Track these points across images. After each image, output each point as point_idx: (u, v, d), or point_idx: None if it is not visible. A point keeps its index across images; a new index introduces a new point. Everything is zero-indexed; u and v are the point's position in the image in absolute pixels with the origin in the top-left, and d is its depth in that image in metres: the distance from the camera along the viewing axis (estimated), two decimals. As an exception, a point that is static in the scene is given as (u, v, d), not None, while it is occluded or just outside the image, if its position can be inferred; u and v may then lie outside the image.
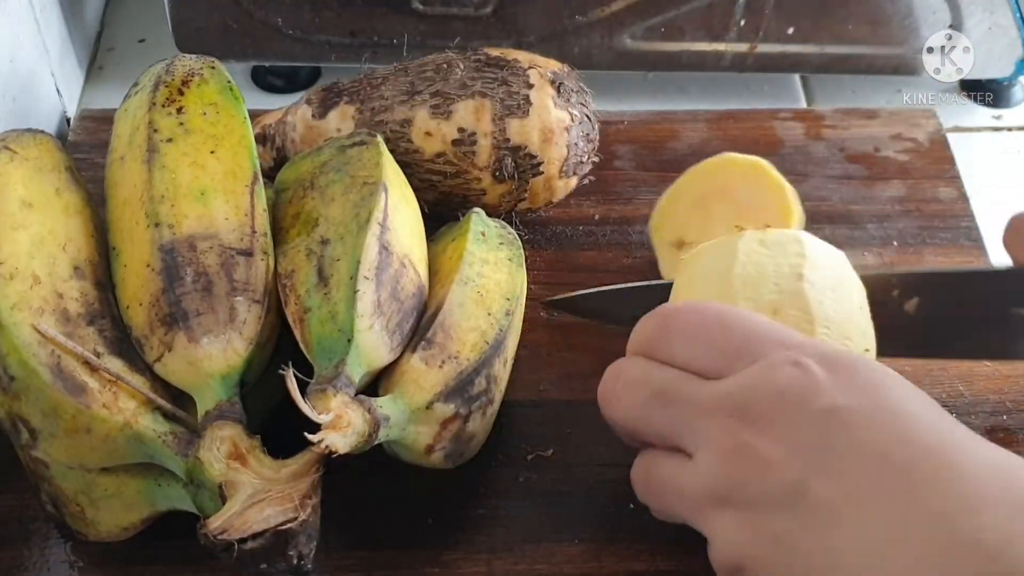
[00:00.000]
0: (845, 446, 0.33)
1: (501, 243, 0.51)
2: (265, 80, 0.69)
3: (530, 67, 0.53)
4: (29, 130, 0.48)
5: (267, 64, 0.68)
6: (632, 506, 0.47)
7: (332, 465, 0.42)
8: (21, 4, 0.58)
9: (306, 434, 0.38)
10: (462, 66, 0.53)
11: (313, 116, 0.54)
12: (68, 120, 0.65)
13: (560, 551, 0.46)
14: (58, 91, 0.64)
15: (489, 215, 0.53)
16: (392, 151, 0.51)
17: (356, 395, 0.41)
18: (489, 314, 0.46)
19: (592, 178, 0.57)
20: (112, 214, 0.46)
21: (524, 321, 0.52)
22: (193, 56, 0.51)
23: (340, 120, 0.54)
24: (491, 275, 0.48)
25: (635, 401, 0.39)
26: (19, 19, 0.58)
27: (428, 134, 0.52)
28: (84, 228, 0.45)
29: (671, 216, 0.54)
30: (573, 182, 0.55)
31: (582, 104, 0.54)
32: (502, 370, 0.47)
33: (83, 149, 0.60)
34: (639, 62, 0.66)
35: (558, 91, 0.53)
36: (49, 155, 0.47)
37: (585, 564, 0.46)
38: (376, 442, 0.41)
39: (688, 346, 0.39)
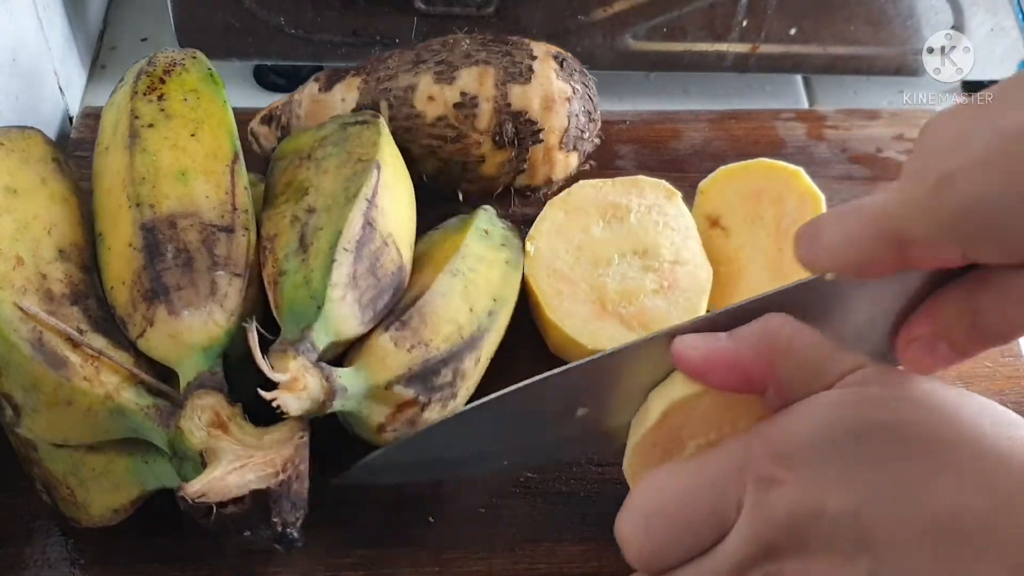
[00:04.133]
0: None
1: (503, 244, 0.51)
2: (268, 79, 0.69)
3: (534, 45, 0.54)
4: (18, 127, 0.48)
5: (269, 63, 0.68)
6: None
7: (334, 464, 0.42)
8: (24, 2, 0.59)
9: (259, 390, 0.38)
10: (468, 41, 0.54)
11: (319, 91, 0.55)
12: (71, 118, 0.65)
13: (560, 551, 0.46)
14: (60, 89, 0.64)
15: (488, 190, 0.53)
16: (394, 117, 0.51)
17: (318, 362, 0.41)
18: (471, 310, 0.46)
19: (593, 163, 0.57)
20: (98, 203, 0.47)
21: (524, 320, 0.52)
22: (176, 49, 0.52)
23: (345, 91, 0.54)
24: (483, 272, 0.48)
25: None
26: (22, 17, 0.58)
27: (431, 98, 0.53)
28: (70, 215, 0.46)
29: (719, 190, 0.54)
30: (573, 159, 0.55)
31: (584, 85, 0.55)
32: (472, 368, 0.46)
33: (85, 147, 0.60)
34: (641, 62, 0.66)
35: (561, 66, 0.54)
36: (36, 148, 0.48)
37: (586, 564, 0.46)
38: (330, 410, 0.41)
39: (679, 543, 0.35)
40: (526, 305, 0.52)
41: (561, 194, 0.54)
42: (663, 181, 0.54)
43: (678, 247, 0.52)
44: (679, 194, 0.54)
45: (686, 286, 0.51)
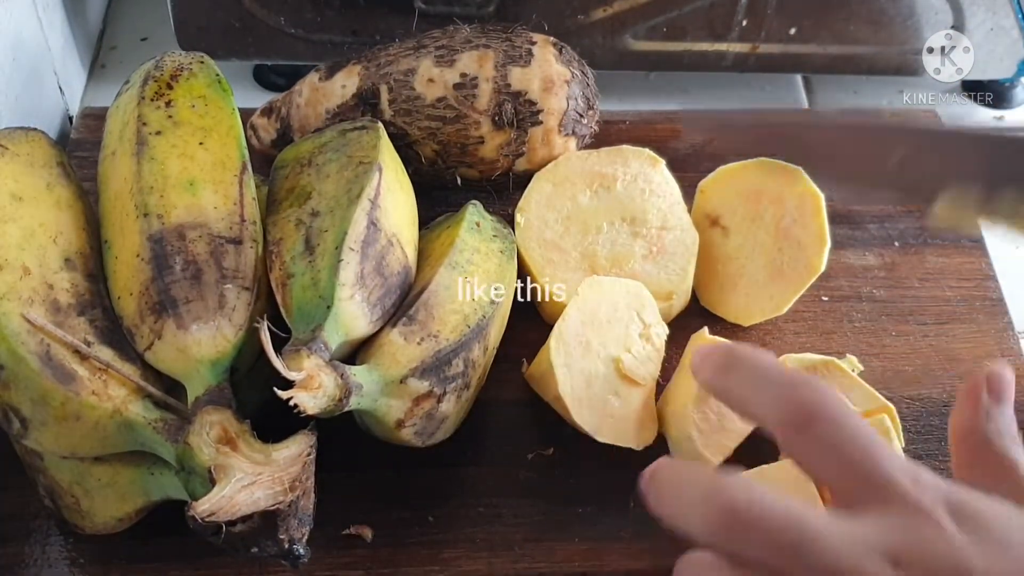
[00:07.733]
0: None
1: (495, 236, 0.51)
2: (268, 79, 0.69)
3: (533, 35, 0.55)
4: (22, 128, 0.48)
5: (269, 63, 0.68)
6: (632, 504, 0.47)
7: (334, 463, 0.42)
8: (24, 2, 0.59)
9: (275, 389, 0.39)
10: (468, 29, 0.55)
11: (320, 79, 0.55)
12: (71, 118, 0.65)
13: (560, 550, 0.46)
14: (60, 89, 0.64)
15: (487, 174, 0.53)
16: (394, 100, 0.52)
17: (331, 360, 0.41)
18: (473, 299, 0.47)
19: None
20: (104, 208, 0.46)
21: (524, 320, 0.52)
22: (183, 52, 0.51)
23: (346, 78, 0.55)
24: (480, 263, 0.48)
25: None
26: (22, 17, 0.58)
27: (431, 80, 0.53)
28: (76, 221, 0.46)
29: (719, 190, 0.55)
30: (572, 144, 0.56)
31: (583, 72, 0.55)
32: (481, 357, 0.47)
33: (85, 147, 0.60)
34: (641, 62, 0.66)
35: (560, 52, 0.54)
36: (41, 151, 0.47)
37: (585, 563, 0.46)
38: (346, 408, 0.41)
39: (827, 459, 0.34)
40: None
41: (548, 166, 0.55)
42: (646, 149, 0.55)
43: (664, 213, 0.54)
44: (663, 161, 0.55)
45: (674, 250, 0.53)
